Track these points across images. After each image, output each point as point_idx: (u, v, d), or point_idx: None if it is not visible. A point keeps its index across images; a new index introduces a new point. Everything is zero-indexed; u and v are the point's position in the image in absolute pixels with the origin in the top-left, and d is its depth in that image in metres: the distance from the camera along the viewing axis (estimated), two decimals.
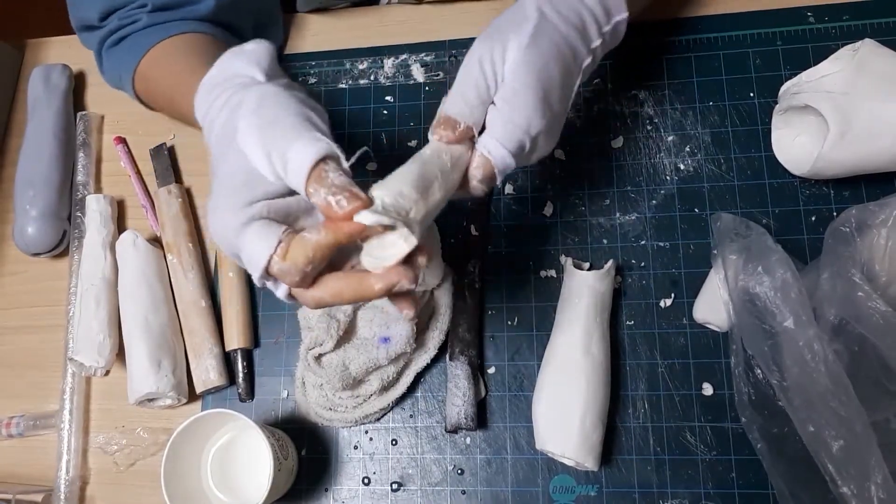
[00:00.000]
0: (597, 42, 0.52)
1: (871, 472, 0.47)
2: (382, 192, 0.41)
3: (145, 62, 0.62)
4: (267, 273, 0.41)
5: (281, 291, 0.43)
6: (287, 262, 0.40)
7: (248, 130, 0.42)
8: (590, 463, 0.55)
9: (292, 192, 0.43)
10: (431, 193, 0.43)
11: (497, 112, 0.47)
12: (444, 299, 0.63)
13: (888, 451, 0.47)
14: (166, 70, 0.61)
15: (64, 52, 0.81)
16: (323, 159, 0.40)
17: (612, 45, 0.55)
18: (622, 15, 0.53)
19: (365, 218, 0.39)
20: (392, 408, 0.63)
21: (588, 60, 0.52)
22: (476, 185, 0.47)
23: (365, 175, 0.70)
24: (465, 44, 0.72)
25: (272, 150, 0.41)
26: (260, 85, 0.45)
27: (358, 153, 0.43)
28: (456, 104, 0.47)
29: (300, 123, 0.42)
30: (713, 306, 0.59)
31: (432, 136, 0.46)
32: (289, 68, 0.75)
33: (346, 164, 0.41)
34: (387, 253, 0.40)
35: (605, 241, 0.64)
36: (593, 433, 0.56)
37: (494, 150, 0.46)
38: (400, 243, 0.40)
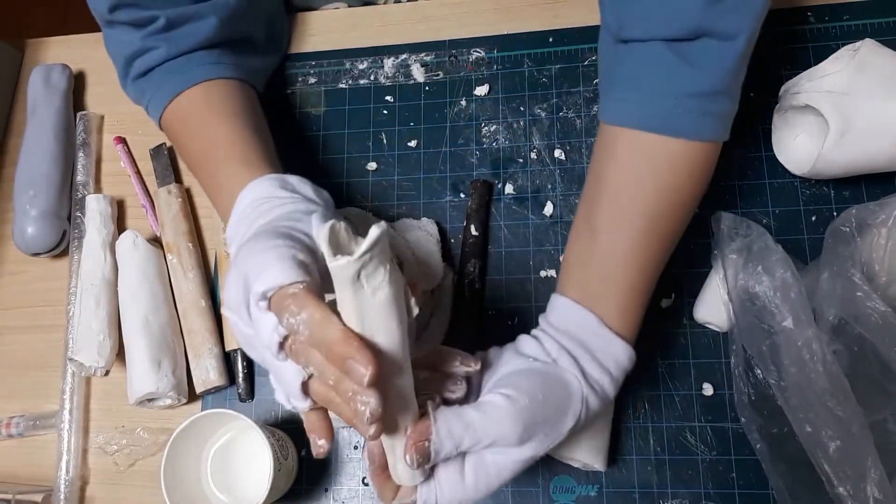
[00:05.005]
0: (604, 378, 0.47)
1: (868, 473, 0.47)
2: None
3: (168, 115, 0.62)
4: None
5: None
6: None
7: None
8: (598, 464, 0.55)
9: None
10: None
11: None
12: (444, 299, 0.63)
13: (885, 452, 0.47)
14: (191, 148, 0.61)
15: (64, 52, 0.81)
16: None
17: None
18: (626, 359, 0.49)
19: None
20: None
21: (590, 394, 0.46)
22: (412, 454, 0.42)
23: (365, 175, 0.70)
24: (464, 43, 0.72)
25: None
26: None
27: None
28: None
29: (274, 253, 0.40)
30: (713, 306, 0.59)
31: None
32: (289, 68, 0.75)
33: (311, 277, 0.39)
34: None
35: None
36: (600, 434, 0.56)
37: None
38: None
